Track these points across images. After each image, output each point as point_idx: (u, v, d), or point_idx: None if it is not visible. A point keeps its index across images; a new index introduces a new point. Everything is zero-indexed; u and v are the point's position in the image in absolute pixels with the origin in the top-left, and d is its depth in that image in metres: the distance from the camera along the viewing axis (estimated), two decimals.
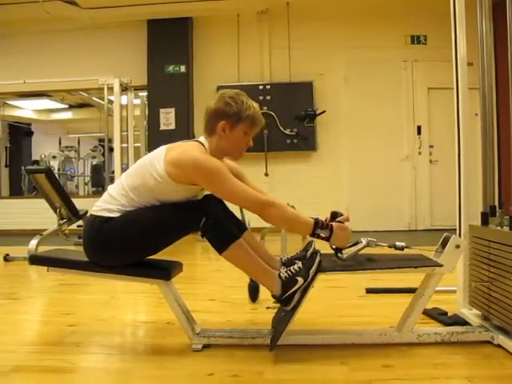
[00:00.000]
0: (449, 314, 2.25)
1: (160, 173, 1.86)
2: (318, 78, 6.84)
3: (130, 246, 1.91)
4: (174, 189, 1.89)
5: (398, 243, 2.03)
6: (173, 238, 1.96)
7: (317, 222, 1.87)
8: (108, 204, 1.93)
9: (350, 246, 1.99)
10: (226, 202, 2.06)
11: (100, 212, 1.93)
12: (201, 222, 1.85)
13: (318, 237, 1.87)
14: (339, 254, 1.94)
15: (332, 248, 1.95)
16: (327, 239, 1.88)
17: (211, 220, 1.85)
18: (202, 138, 2.01)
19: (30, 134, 12.08)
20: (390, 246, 2.03)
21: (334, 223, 1.91)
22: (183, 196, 1.94)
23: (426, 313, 2.28)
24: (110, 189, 1.99)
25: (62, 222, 4.73)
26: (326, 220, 1.96)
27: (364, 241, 1.98)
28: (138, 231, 1.89)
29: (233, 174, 1.92)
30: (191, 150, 1.88)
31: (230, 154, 2.04)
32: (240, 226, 2.06)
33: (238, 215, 2.25)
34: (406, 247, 2.04)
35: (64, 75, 6.74)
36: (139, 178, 1.92)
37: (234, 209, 2.08)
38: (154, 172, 1.88)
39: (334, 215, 1.99)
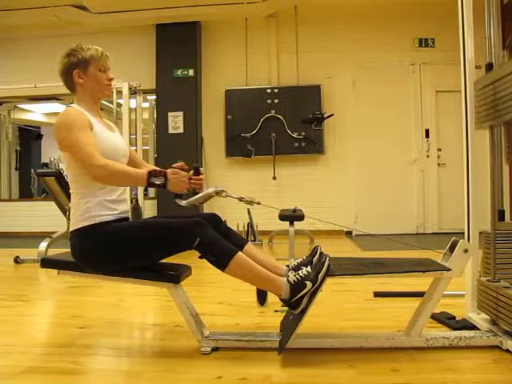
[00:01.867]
0: (457, 319, 2.25)
1: (62, 157, 1.99)
2: (325, 81, 6.85)
3: (119, 259, 1.94)
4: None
5: (248, 197, 2.09)
6: (163, 256, 1.98)
7: (150, 171, 1.87)
8: (78, 213, 1.96)
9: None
10: (221, 219, 2.13)
11: (77, 225, 1.95)
12: (195, 242, 1.87)
13: (155, 185, 1.86)
14: (178, 200, 1.93)
15: (174, 194, 1.94)
16: (164, 186, 1.86)
17: (206, 240, 1.87)
18: (72, 104, 2.08)
19: (39, 137, 12.15)
20: (240, 199, 2.07)
21: (168, 170, 1.89)
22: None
23: (434, 317, 2.28)
24: (71, 203, 2.03)
25: None
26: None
27: (211, 189, 2.01)
28: (129, 246, 1.92)
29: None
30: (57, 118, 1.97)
31: (98, 94, 2.11)
32: (239, 241, 2.08)
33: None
34: (257, 203, 2.09)
35: None
36: (70, 175, 2.00)
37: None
38: (64, 160, 1.99)
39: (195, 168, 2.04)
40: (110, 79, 2.12)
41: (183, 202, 1.91)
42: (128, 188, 2.12)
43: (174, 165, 1.94)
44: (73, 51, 2.05)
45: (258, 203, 2.13)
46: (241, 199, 2.10)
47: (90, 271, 2.00)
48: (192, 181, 2.03)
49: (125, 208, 2.09)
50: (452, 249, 1.95)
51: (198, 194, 2.05)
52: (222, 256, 1.88)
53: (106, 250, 1.92)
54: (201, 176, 2.05)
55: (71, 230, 2.00)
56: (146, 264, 1.99)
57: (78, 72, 2.04)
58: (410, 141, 6.86)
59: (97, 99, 2.13)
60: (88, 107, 2.06)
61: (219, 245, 1.89)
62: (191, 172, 2.00)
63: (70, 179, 2.00)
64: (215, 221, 2.08)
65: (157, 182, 1.85)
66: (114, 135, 2.14)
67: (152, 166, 2.23)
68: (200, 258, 1.92)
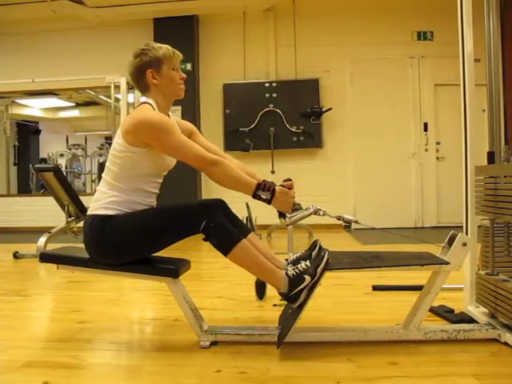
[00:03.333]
0: (455, 312, 2.26)
1: (122, 147, 1.92)
2: (324, 75, 6.84)
3: (129, 245, 1.93)
4: (141, 157, 1.92)
5: (346, 215, 2.07)
6: (172, 240, 1.98)
7: (259, 183, 1.87)
8: (101, 201, 1.96)
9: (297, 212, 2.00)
10: (228, 206, 2.11)
11: (96, 211, 1.95)
12: (201, 225, 1.86)
13: (260, 198, 1.86)
14: (282, 219, 1.94)
15: (277, 212, 1.93)
16: (268, 201, 1.87)
17: (212, 223, 1.87)
18: (148, 100, 2.03)
19: (37, 132, 12.14)
20: (338, 218, 2.06)
21: (276, 187, 1.90)
22: (155, 165, 1.99)
23: (433, 310, 2.29)
24: (100, 187, 2.02)
25: (69, 219, 4.77)
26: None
27: (312, 208, 2.01)
28: (138, 232, 1.92)
29: (185, 132, 2.02)
30: (138, 113, 1.93)
31: (172, 94, 2.08)
32: (243, 229, 2.07)
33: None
34: (355, 222, 2.07)
35: (71, 74, 6.79)
36: (115, 165, 1.96)
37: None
38: (120, 150, 1.93)
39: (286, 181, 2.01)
40: (183, 78, 2.08)
41: (287, 222, 1.92)
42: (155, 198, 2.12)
43: (284, 183, 1.91)
44: (144, 51, 2.01)
45: (356, 222, 2.12)
46: (338, 218, 2.09)
47: (99, 258, 1.99)
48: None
49: (153, 202, 2.09)
50: (451, 242, 1.95)
51: (297, 210, 2.02)
52: (226, 240, 1.88)
53: (118, 237, 1.91)
54: (293, 191, 2.01)
55: (89, 213, 1.99)
56: (155, 250, 1.98)
57: (152, 72, 1.99)
58: (409, 134, 6.86)
59: (170, 99, 2.09)
60: (161, 107, 2.02)
61: (225, 229, 1.89)
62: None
63: (112, 169, 1.97)
64: (223, 207, 2.07)
65: (263, 197, 1.86)
66: None
67: (206, 142, 2.23)
68: (204, 240, 1.91)
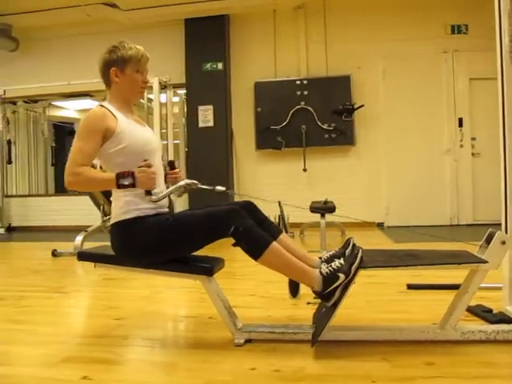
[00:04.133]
0: (494, 312, 2.20)
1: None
2: (355, 71, 6.76)
3: (158, 250, 1.97)
4: (110, 151, 1.99)
5: (218, 187, 2.11)
6: (201, 245, 2.00)
7: (117, 174, 1.86)
8: (118, 207, 2.01)
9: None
10: (258, 207, 2.14)
11: (118, 218, 2.00)
12: (230, 229, 1.88)
13: (124, 186, 1.85)
14: (148, 197, 1.92)
15: (144, 192, 1.92)
16: (133, 185, 1.85)
17: (241, 228, 1.88)
18: (104, 102, 2.10)
19: (73, 133, 12.39)
20: (212, 189, 2.08)
21: (135, 169, 1.87)
22: (128, 151, 2.00)
23: (470, 310, 2.23)
24: (112, 196, 2.07)
25: (105, 218, 4.87)
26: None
27: (182, 182, 2.02)
28: (167, 237, 1.95)
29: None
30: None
31: (131, 94, 2.13)
32: (274, 230, 2.08)
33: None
34: (227, 191, 2.09)
35: None
36: (108, 167, 2.03)
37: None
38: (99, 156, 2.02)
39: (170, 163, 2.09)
40: (145, 82, 2.13)
41: (154, 198, 1.93)
42: (162, 183, 2.15)
43: (141, 163, 1.91)
44: (114, 48, 2.08)
45: (227, 191, 2.16)
46: (213, 189, 2.14)
47: (129, 264, 2.04)
48: (168, 175, 2.17)
49: (163, 203, 2.09)
50: (489, 241, 1.90)
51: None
52: (256, 245, 1.89)
53: (146, 243, 1.95)
54: (176, 170, 2.17)
55: (112, 222, 2.04)
56: (184, 254, 2.02)
57: (116, 70, 2.06)
58: (443, 130, 6.72)
59: (129, 99, 2.16)
60: (119, 105, 2.09)
61: (254, 233, 1.90)
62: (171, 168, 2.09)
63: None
64: (251, 209, 2.09)
65: (125, 183, 1.85)
66: (144, 129, 2.18)
67: None
68: (234, 245, 1.94)
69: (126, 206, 1.99)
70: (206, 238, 1.98)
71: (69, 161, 1.91)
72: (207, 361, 1.82)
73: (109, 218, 4.91)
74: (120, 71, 2.06)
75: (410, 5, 6.70)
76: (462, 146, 6.67)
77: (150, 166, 1.90)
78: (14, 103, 9.06)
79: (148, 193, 1.92)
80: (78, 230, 4.92)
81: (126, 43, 2.10)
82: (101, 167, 2.17)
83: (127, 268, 2.10)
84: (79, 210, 7.24)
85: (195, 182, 2.09)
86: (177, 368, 1.79)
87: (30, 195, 9.12)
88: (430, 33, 6.69)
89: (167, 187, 2.14)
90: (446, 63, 6.70)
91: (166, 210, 2.14)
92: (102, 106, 2.06)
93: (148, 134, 2.18)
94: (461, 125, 6.67)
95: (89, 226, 4.85)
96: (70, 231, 6.14)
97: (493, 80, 2.18)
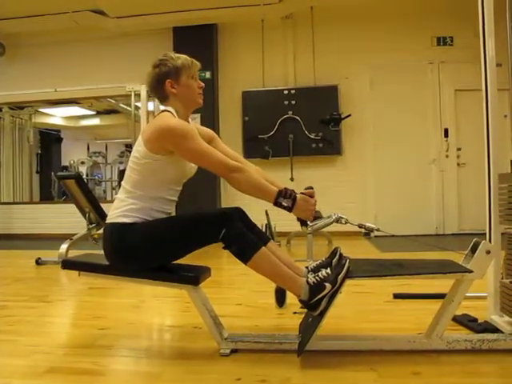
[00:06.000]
0: (479, 321, 2.21)
1: (144, 154, 1.94)
2: (343, 81, 6.82)
3: (149, 253, 1.94)
4: (162, 163, 1.95)
5: (368, 223, 2.07)
6: (191, 249, 1.99)
7: (280, 191, 1.87)
8: (120, 209, 1.98)
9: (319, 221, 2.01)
10: (247, 214, 2.12)
11: (116, 219, 1.98)
12: (221, 233, 1.87)
13: (281, 206, 1.86)
14: (304, 227, 1.92)
15: (298, 219, 1.92)
16: (289, 209, 1.86)
17: (232, 231, 1.87)
18: (168, 107, 2.06)
19: (59, 140, 12.35)
20: (360, 226, 2.05)
21: (297, 194, 1.89)
22: (176, 172, 2.01)
23: (456, 319, 2.24)
24: (119, 195, 2.05)
25: (91, 226, 4.83)
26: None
27: (334, 216, 2.00)
28: (158, 240, 1.93)
29: (205, 138, 2.04)
30: (160, 120, 1.96)
31: (191, 103, 2.11)
32: (262, 237, 2.07)
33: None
34: (377, 229, 2.06)
35: (92, 83, 6.91)
36: (135, 172, 1.98)
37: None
38: (141, 157, 1.95)
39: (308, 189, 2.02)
40: (201, 87, 2.11)
41: (309, 229, 1.93)
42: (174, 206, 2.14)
43: (305, 191, 1.92)
44: (162, 61, 2.04)
45: (378, 230, 2.14)
46: (360, 226, 2.11)
47: (115, 270, 2.01)
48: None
49: (170, 210, 2.09)
50: (474, 250, 1.92)
51: (317, 217, 2.04)
52: (246, 248, 1.88)
53: (138, 246, 1.93)
54: (314, 199, 2.02)
55: (108, 221, 2.01)
56: (174, 258, 2.00)
57: (171, 82, 2.02)
58: (429, 140, 6.80)
59: (189, 107, 2.12)
60: (180, 115, 2.05)
61: (244, 237, 1.89)
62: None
63: (132, 176, 1.99)
64: (240, 215, 2.08)
65: (284, 204, 1.86)
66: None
67: (226, 148, 2.24)
68: (224, 248, 1.92)
69: (127, 211, 1.96)
70: (196, 242, 1.97)
71: (215, 161, 1.89)
72: (193, 371, 1.80)
73: (94, 226, 4.89)
74: (175, 81, 2.03)
75: (396, 16, 6.80)
76: (447, 156, 6.76)
77: (312, 196, 1.90)
78: (0, 109, 8.98)
79: (303, 223, 1.91)
80: (63, 238, 4.86)
81: (171, 54, 2.08)
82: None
83: (112, 277, 2.08)
84: (64, 218, 7.18)
85: (343, 216, 2.05)
86: (162, 379, 1.76)
87: (14, 202, 9.01)
88: (417, 44, 6.79)
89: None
90: (432, 74, 6.80)
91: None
92: (172, 113, 2.02)
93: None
94: (446, 135, 6.76)
95: (74, 234, 4.80)
96: (54, 239, 6.06)
97: (478, 91, 2.21)
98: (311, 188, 1.98)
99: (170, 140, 1.90)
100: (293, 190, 1.92)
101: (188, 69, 2.06)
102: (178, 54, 2.09)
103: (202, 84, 2.12)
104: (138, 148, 1.97)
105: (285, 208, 1.87)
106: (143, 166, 1.96)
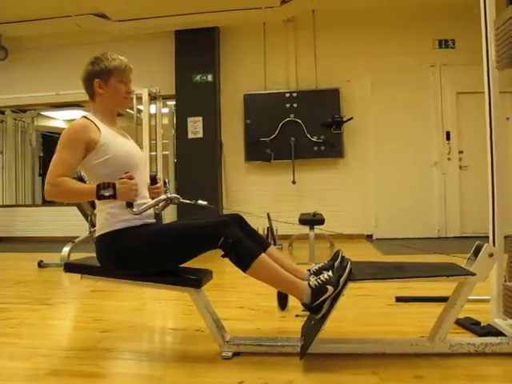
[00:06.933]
0: (482, 324, 2.20)
1: (82, 164, 2.02)
2: (344, 84, 6.82)
3: (146, 260, 1.95)
4: (99, 161, 1.98)
5: (200, 201, 2.11)
6: (190, 256, 1.99)
7: (98, 185, 1.86)
8: (102, 219, 2.00)
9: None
10: (246, 221, 2.13)
11: (102, 230, 1.99)
12: (219, 241, 1.87)
13: (104, 197, 1.85)
14: (129, 209, 1.91)
15: (126, 205, 1.90)
16: (113, 197, 1.84)
17: (230, 239, 1.87)
18: (87, 113, 2.10)
19: None
20: (194, 203, 2.10)
21: (116, 181, 1.86)
22: (116, 159, 2.00)
23: (459, 323, 2.24)
24: (96, 208, 2.07)
25: (92, 229, 4.82)
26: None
27: (163, 196, 2.03)
28: (155, 248, 1.93)
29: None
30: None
31: (115, 105, 2.14)
32: (262, 243, 2.07)
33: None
34: (209, 206, 2.11)
35: None
36: (92, 178, 2.03)
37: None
38: (85, 169, 2.04)
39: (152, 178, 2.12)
40: (129, 92, 2.13)
41: (135, 210, 1.91)
42: (147, 193, 2.14)
43: (124, 175, 1.90)
44: (97, 60, 2.07)
45: (210, 206, 2.18)
46: (195, 203, 2.14)
47: (115, 274, 2.02)
48: (150, 191, 2.15)
49: (149, 212, 2.08)
50: (476, 253, 1.91)
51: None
52: (245, 256, 1.88)
53: (133, 255, 1.93)
54: (157, 185, 2.16)
55: (97, 234, 2.02)
56: (173, 266, 2.00)
57: (99, 82, 2.06)
58: (431, 143, 6.78)
59: (113, 110, 2.16)
60: (103, 117, 2.09)
61: (243, 245, 1.89)
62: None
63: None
64: (239, 222, 2.08)
65: (106, 194, 1.85)
66: (128, 141, 2.18)
67: None
68: (223, 256, 1.92)
69: (111, 217, 1.97)
70: (194, 250, 1.97)
71: (49, 171, 1.91)
72: (194, 374, 1.80)
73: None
74: (104, 83, 2.06)
75: (398, 19, 6.80)
76: (449, 159, 6.74)
77: (131, 178, 1.88)
78: (2, 112, 9.01)
79: (129, 205, 1.90)
80: (65, 240, 4.87)
81: (108, 54, 2.10)
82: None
83: (114, 280, 2.07)
84: (66, 221, 7.17)
85: (177, 196, 2.08)
86: (164, 382, 1.76)
87: (16, 205, 9.03)
88: (418, 47, 6.79)
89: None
90: (434, 77, 6.79)
91: (153, 220, 2.13)
92: (85, 117, 2.04)
93: (132, 146, 2.18)
94: (448, 138, 6.75)
95: (76, 237, 4.80)
96: (57, 242, 6.06)
97: (480, 94, 2.21)
98: (155, 174, 2.09)
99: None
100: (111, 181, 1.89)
101: (120, 72, 2.08)
102: (115, 56, 2.10)
103: (132, 89, 2.16)
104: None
105: (109, 197, 1.85)
106: (89, 172, 2.02)
